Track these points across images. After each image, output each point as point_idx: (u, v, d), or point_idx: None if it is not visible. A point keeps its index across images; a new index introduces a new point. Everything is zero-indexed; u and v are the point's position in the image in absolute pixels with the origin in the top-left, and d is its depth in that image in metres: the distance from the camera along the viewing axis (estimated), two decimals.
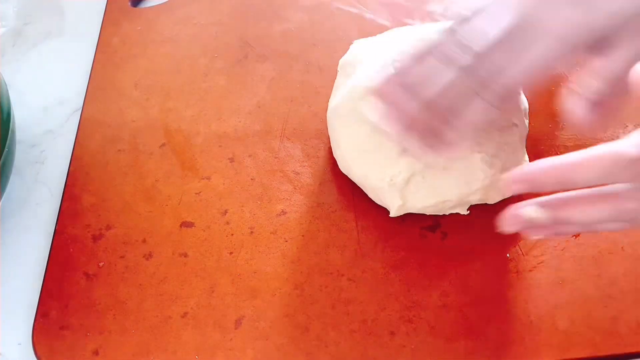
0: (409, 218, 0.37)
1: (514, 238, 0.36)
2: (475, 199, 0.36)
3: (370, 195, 0.38)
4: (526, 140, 0.38)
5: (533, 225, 0.29)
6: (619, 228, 0.29)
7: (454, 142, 0.30)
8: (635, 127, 0.40)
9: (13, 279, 0.38)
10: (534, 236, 0.33)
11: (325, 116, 0.41)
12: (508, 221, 0.29)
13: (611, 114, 0.29)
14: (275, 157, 0.42)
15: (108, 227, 0.39)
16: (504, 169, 0.35)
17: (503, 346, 0.33)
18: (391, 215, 0.37)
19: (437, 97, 0.29)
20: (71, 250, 0.38)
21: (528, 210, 0.29)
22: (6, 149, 0.38)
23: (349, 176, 0.39)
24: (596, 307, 0.34)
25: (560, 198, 0.29)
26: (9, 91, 0.40)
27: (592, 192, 0.28)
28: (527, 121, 0.39)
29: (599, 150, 0.27)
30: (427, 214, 0.37)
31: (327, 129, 0.40)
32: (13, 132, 0.39)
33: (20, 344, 0.36)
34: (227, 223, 0.39)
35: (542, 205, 0.29)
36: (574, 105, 0.28)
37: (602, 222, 0.29)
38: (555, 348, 0.32)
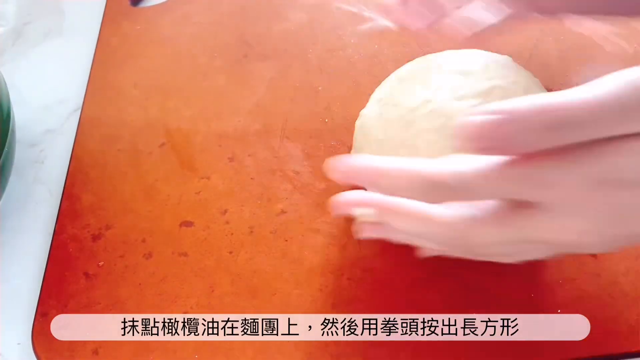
0: None
1: None
2: None
3: None
4: None
5: (362, 218, 0.28)
6: (440, 252, 0.28)
7: None
8: None
9: (13, 279, 0.38)
10: (365, 233, 0.30)
11: (325, 115, 0.40)
12: (335, 204, 0.28)
13: None
14: (275, 157, 0.41)
15: (107, 227, 0.39)
16: None
17: (503, 346, 0.32)
18: None
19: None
20: (71, 250, 0.38)
21: (354, 197, 0.27)
22: (6, 149, 0.38)
23: None
24: (596, 306, 0.34)
25: (383, 198, 0.27)
26: (9, 91, 0.40)
27: (412, 204, 0.26)
28: None
29: (408, 164, 0.25)
30: None
31: (326, 127, 0.40)
32: (13, 131, 0.39)
33: (19, 343, 0.36)
34: (227, 222, 0.39)
35: (369, 201, 0.27)
36: None
37: (418, 238, 0.28)
38: (555, 348, 0.32)
